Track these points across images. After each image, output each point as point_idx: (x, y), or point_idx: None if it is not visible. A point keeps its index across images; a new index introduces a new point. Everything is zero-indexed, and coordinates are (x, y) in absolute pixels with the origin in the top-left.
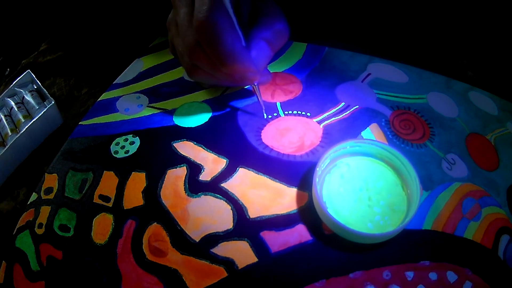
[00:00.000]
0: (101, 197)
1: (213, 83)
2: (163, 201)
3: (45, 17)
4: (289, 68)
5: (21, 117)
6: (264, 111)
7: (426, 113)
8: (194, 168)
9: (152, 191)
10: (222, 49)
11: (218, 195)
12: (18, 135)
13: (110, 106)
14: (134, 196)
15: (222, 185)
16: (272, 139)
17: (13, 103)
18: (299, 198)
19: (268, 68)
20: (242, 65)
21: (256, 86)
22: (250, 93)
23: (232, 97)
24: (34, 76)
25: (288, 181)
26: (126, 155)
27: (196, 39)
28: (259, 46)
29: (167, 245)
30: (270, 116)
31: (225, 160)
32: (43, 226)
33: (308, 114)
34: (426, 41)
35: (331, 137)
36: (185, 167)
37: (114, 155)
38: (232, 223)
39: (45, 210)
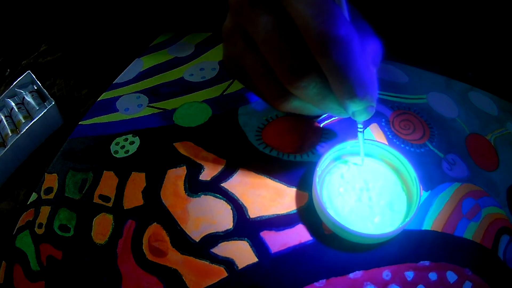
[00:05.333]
0: (101, 197)
1: (309, 113)
2: (163, 201)
3: (45, 17)
4: None
5: (21, 117)
6: (362, 159)
7: (426, 113)
8: (194, 168)
9: (152, 191)
10: (354, 75)
11: (218, 195)
12: (19, 135)
13: (110, 106)
14: (134, 196)
15: (222, 185)
16: (272, 139)
17: (13, 104)
18: (299, 198)
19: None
20: (372, 95)
21: (362, 131)
22: (250, 93)
23: (232, 97)
24: (34, 77)
25: (288, 181)
26: (126, 155)
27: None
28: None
29: (167, 245)
30: (264, 117)
31: (225, 160)
32: (43, 226)
33: None
34: (426, 41)
35: (331, 137)
36: (185, 167)
37: (114, 155)
38: (232, 223)
39: (45, 210)
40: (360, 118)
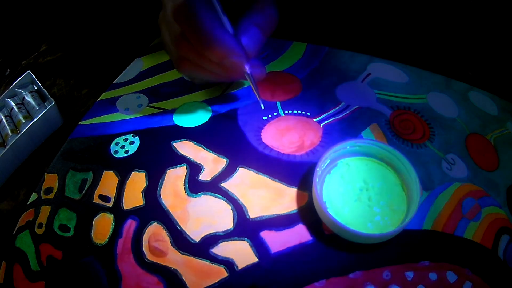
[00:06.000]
0: (101, 197)
1: (204, 78)
2: (163, 201)
3: (45, 17)
4: (289, 68)
5: (21, 117)
6: (260, 101)
7: (426, 113)
8: (194, 168)
9: (152, 191)
10: (201, 32)
11: (218, 195)
12: (19, 135)
13: (110, 106)
14: (134, 196)
15: (222, 185)
16: (272, 139)
17: (13, 104)
18: (299, 198)
19: (261, 61)
20: (224, 48)
21: (249, 75)
22: (250, 93)
23: (232, 97)
24: (34, 77)
25: (288, 181)
26: (126, 155)
27: (179, 29)
28: (249, 31)
29: (167, 245)
30: (265, 118)
31: (225, 160)
32: (43, 226)
33: (308, 113)
34: (426, 41)
35: (331, 137)
36: (185, 167)
37: (114, 155)
38: (232, 223)
39: (45, 210)
40: (236, 72)
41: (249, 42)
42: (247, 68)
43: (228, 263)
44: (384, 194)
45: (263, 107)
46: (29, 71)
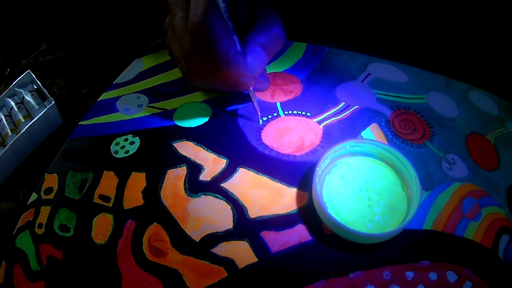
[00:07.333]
0: (101, 197)
1: (210, 88)
2: (163, 201)
3: (45, 17)
4: (289, 68)
5: (21, 117)
6: (259, 117)
7: (426, 113)
8: (194, 168)
9: (152, 191)
10: (216, 53)
11: (218, 195)
12: (18, 135)
13: (110, 106)
14: (134, 196)
15: (222, 185)
16: (272, 139)
17: (13, 103)
18: (299, 198)
19: (266, 75)
20: (236, 70)
21: (252, 92)
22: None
23: (232, 97)
24: (34, 76)
25: (288, 181)
26: (126, 155)
27: (191, 44)
28: (254, 51)
29: (167, 245)
30: (265, 118)
31: (225, 160)
32: (43, 226)
33: (308, 114)
34: (426, 41)
35: (331, 137)
36: (185, 167)
37: (114, 155)
38: (232, 223)
39: (45, 210)
40: (241, 89)
41: (253, 63)
42: (251, 87)
43: (228, 263)
44: (384, 194)
45: (261, 122)
46: (29, 70)
